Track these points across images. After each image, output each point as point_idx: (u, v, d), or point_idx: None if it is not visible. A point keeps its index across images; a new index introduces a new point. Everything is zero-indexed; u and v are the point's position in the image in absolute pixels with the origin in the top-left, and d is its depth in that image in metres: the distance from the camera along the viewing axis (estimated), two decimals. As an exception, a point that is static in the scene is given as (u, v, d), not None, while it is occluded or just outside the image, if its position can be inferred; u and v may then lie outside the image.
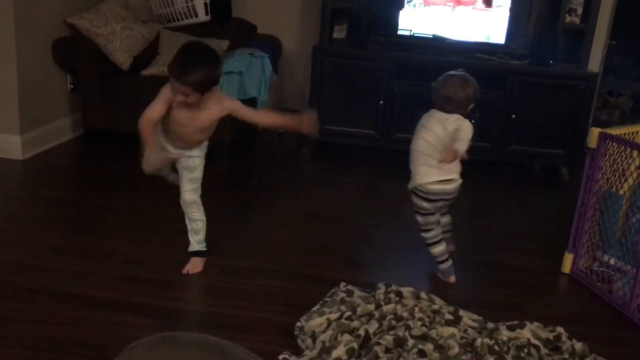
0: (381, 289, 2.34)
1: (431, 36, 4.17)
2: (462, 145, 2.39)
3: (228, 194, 3.48)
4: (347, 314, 2.17)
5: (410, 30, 4.17)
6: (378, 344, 1.99)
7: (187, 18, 4.21)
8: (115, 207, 3.07)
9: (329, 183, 3.83)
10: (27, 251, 2.56)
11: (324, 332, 2.07)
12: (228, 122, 3.76)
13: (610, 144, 2.59)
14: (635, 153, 2.55)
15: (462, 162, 2.55)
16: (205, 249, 2.54)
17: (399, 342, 2.02)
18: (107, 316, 2.14)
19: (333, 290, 2.40)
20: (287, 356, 1.95)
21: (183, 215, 2.51)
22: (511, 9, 4.08)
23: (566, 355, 2.09)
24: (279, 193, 3.58)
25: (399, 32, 4.18)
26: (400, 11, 4.14)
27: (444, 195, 2.52)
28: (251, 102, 3.86)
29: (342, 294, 2.35)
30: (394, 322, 2.14)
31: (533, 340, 2.11)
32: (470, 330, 2.17)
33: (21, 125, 3.62)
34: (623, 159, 2.60)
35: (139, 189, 3.08)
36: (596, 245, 2.72)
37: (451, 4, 4.10)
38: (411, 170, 2.53)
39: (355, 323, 2.12)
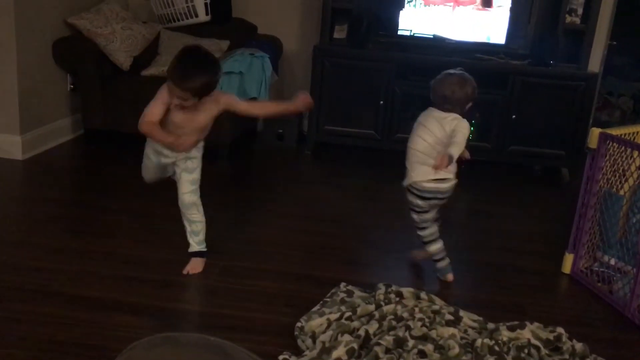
0: (381, 289, 2.34)
1: (431, 36, 4.17)
2: (457, 150, 2.40)
3: (228, 194, 3.48)
4: (347, 314, 2.17)
5: (411, 31, 4.17)
6: (378, 344, 1.98)
7: (187, 18, 4.21)
8: (116, 207, 3.07)
9: (329, 183, 3.83)
10: (27, 251, 2.56)
11: (324, 332, 2.07)
12: (228, 122, 3.79)
13: (610, 144, 2.58)
14: (635, 153, 2.55)
15: (465, 161, 2.55)
16: (205, 250, 2.54)
17: (399, 343, 2.02)
18: (107, 316, 2.14)
19: (333, 291, 2.40)
20: (287, 356, 1.95)
21: (183, 215, 2.51)
22: (511, 9, 4.08)
23: (566, 356, 2.08)
24: (279, 193, 3.58)
25: (400, 33, 4.18)
26: (401, 11, 4.14)
27: (438, 194, 2.52)
28: (251, 103, 3.87)
29: (342, 295, 2.35)
30: (394, 323, 2.14)
31: (533, 341, 2.11)
32: (470, 331, 2.17)
33: (21, 125, 3.62)
34: (623, 159, 2.60)
35: (139, 189, 3.08)
36: (596, 245, 2.72)
37: (451, 4, 4.10)
38: (407, 167, 2.54)
39: (356, 323, 2.12)
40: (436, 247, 2.59)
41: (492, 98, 4.09)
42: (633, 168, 2.58)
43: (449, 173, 2.50)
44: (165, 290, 2.36)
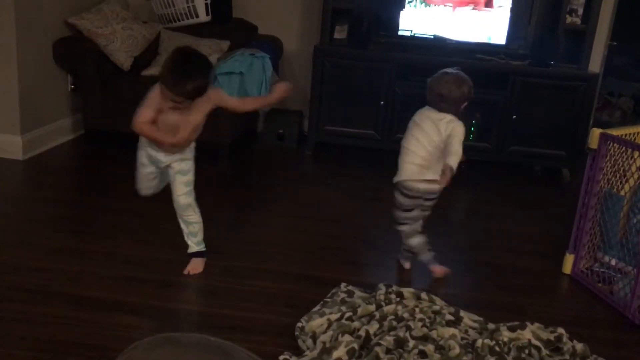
0: (382, 289, 2.34)
1: (432, 37, 4.17)
2: (456, 160, 2.39)
3: (228, 194, 3.48)
4: (348, 314, 2.17)
5: (411, 31, 4.17)
6: (379, 344, 1.98)
7: (187, 18, 4.21)
8: (116, 207, 3.07)
9: (330, 183, 3.83)
10: (27, 251, 2.55)
11: (324, 332, 2.07)
12: (228, 122, 3.79)
13: (611, 144, 2.58)
14: (636, 154, 2.54)
15: (463, 162, 2.55)
16: (204, 249, 2.54)
17: (400, 343, 2.02)
18: (108, 317, 2.14)
19: (334, 291, 2.40)
20: (287, 357, 1.95)
21: (184, 215, 2.51)
22: (512, 10, 4.08)
23: (567, 356, 2.08)
24: (279, 193, 3.58)
25: (400, 33, 4.18)
26: (401, 12, 4.14)
27: (425, 194, 2.52)
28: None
29: (342, 295, 2.35)
30: (394, 323, 2.14)
31: (534, 341, 2.11)
32: (471, 331, 2.17)
33: (22, 125, 3.62)
34: (624, 159, 2.60)
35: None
36: (597, 246, 2.72)
37: (451, 4, 4.10)
38: (398, 165, 2.54)
39: (356, 324, 2.11)
40: (416, 241, 2.59)
41: (493, 98, 4.09)
42: (633, 168, 2.58)
43: (439, 175, 2.49)
44: (166, 291, 2.36)
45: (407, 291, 2.35)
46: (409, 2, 4.11)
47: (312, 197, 3.58)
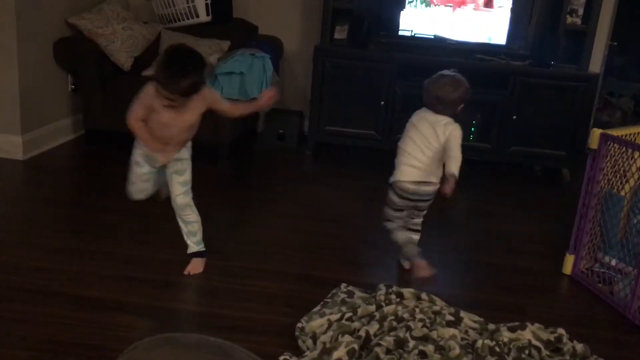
0: (382, 289, 2.34)
1: (432, 37, 4.16)
2: (457, 166, 2.42)
3: (228, 194, 3.48)
4: (348, 314, 2.16)
5: (412, 31, 4.17)
6: (379, 345, 1.98)
7: (188, 18, 4.21)
8: (116, 207, 3.07)
9: (330, 183, 3.83)
10: (27, 251, 2.55)
11: (324, 333, 2.07)
12: (228, 123, 3.79)
13: (611, 145, 2.58)
14: (636, 154, 2.54)
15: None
16: (204, 249, 2.54)
17: (400, 343, 2.02)
18: (108, 317, 2.14)
19: (334, 291, 2.40)
20: (287, 357, 1.95)
21: (184, 216, 2.51)
22: (512, 10, 4.08)
23: (567, 357, 2.08)
24: (279, 193, 3.58)
25: (400, 33, 4.18)
26: (402, 12, 4.14)
27: (416, 196, 2.53)
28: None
29: (342, 295, 2.35)
30: (394, 323, 2.14)
31: (534, 342, 2.10)
32: (471, 332, 2.17)
33: (22, 125, 3.62)
34: (624, 160, 2.60)
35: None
36: (597, 246, 2.72)
37: (451, 4, 4.10)
38: (395, 165, 2.56)
39: (356, 324, 2.11)
40: (403, 236, 2.61)
41: (493, 98, 4.09)
42: (634, 169, 2.58)
43: (434, 177, 2.53)
44: (166, 291, 2.36)
45: (407, 291, 2.35)
46: (409, 2, 4.11)
47: (312, 197, 3.58)
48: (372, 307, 2.22)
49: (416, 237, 2.67)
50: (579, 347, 2.12)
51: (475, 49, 4.15)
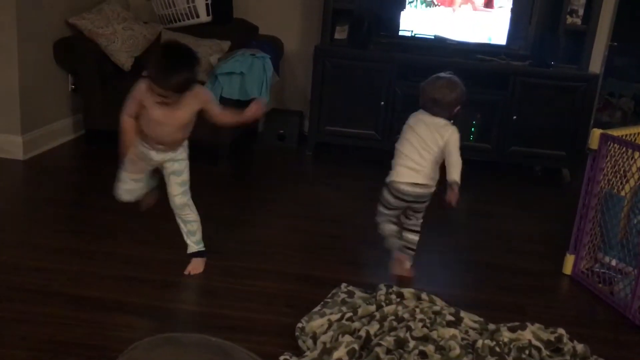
0: (382, 289, 2.34)
1: (432, 37, 4.16)
2: (458, 171, 2.44)
3: (228, 194, 3.48)
4: (348, 314, 2.16)
5: (412, 31, 4.17)
6: (379, 345, 1.98)
7: (188, 19, 4.21)
8: (116, 207, 3.05)
9: (330, 184, 3.83)
10: (27, 251, 2.55)
11: (324, 333, 2.07)
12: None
13: (611, 145, 2.58)
14: (636, 154, 2.54)
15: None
16: (204, 249, 2.54)
17: (400, 343, 2.02)
18: (108, 317, 2.14)
19: (334, 291, 2.40)
20: (287, 357, 1.95)
21: (184, 216, 2.51)
22: (512, 10, 4.08)
23: (567, 357, 2.08)
24: (279, 193, 3.58)
25: (401, 33, 4.18)
26: (402, 12, 4.14)
27: (410, 197, 2.54)
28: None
29: (343, 295, 2.35)
30: (395, 323, 2.14)
31: (534, 342, 2.10)
32: (471, 332, 2.17)
33: (22, 125, 3.62)
34: (624, 160, 2.60)
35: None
36: (597, 246, 2.72)
37: (452, 7, 4.10)
38: (392, 166, 2.58)
39: (356, 324, 2.11)
40: (387, 228, 2.62)
41: (493, 99, 4.09)
42: (634, 169, 2.58)
43: (430, 180, 2.53)
44: (166, 291, 2.36)
45: (407, 292, 2.35)
46: (409, 3, 4.11)
47: (312, 197, 3.58)
48: (373, 307, 2.22)
49: (415, 237, 2.67)
50: (579, 347, 2.12)
51: (476, 49, 4.15)
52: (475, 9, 4.10)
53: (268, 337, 2.10)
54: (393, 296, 2.31)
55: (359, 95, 4.15)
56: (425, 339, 2.06)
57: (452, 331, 2.10)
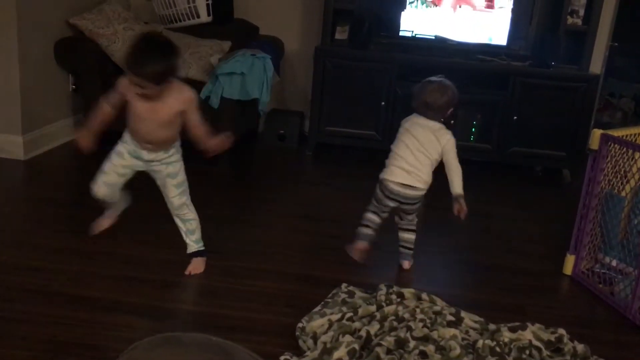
0: (382, 290, 2.34)
1: (433, 37, 4.17)
2: (460, 180, 2.52)
3: (229, 194, 3.48)
4: (349, 315, 2.16)
5: (412, 32, 4.17)
6: (379, 345, 1.98)
7: (189, 19, 4.21)
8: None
9: (330, 184, 3.83)
10: (27, 251, 2.55)
11: (325, 333, 2.07)
12: (229, 123, 3.78)
13: (612, 145, 2.58)
14: (637, 155, 2.54)
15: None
16: (204, 248, 2.53)
17: (401, 343, 2.02)
18: (108, 317, 2.14)
19: (334, 291, 2.39)
20: (288, 357, 1.95)
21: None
22: (513, 11, 4.08)
23: (568, 357, 2.08)
24: (279, 194, 3.58)
25: (401, 34, 4.18)
26: (402, 12, 4.14)
27: (400, 198, 2.56)
28: (253, 103, 3.87)
29: (343, 295, 2.35)
30: (395, 323, 2.14)
31: (534, 342, 2.10)
32: (471, 332, 2.17)
33: (23, 125, 3.62)
34: (625, 160, 2.60)
35: (139, 189, 3.08)
36: (598, 247, 2.72)
37: (452, 8, 4.10)
38: (385, 165, 2.62)
39: (357, 324, 2.11)
40: (369, 216, 2.67)
41: (494, 99, 4.09)
42: (634, 169, 2.58)
43: (421, 183, 2.56)
44: (166, 291, 2.36)
45: (407, 292, 2.35)
46: (410, 3, 4.11)
47: (312, 197, 3.57)
48: (373, 307, 2.22)
49: (411, 236, 2.68)
50: (580, 347, 2.11)
51: (476, 49, 4.15)
52: (475, 9, 4.10)
53: (268, 337, 2.10)
54: (393, 296, 2.31)
55: (359, 96, 4.15)
56: (425, 339, 2.06)
57: (452, 331, 2.10)
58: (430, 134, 2.54)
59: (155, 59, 2.12)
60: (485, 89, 4.06)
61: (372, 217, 2.68)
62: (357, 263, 2.74)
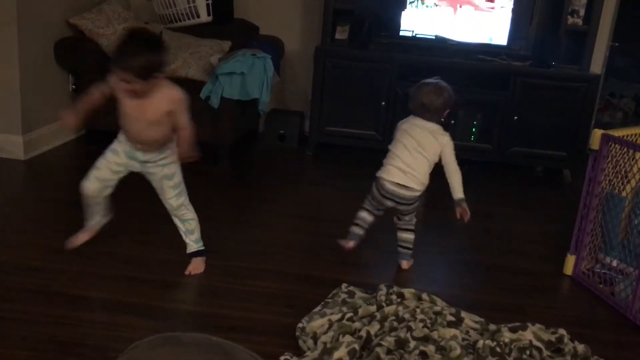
0: (383, 290, 2.33)
1: (433, 37, 4.16)
2: (460, 182, 2.56)
3: (229, 195, 3.48)
4: (349, 315, 2.16)
5: (413, 31, 4.17)
6: (379, 345, 1.98)
7: (189, 19, 4.21)
8: (116, 207, 3.06)
9: (330, 184, 3.83)
10: (27, 251, 2.55)
11: (325, 333, 2.07)
12: (229, 123, 3.79)
13: (612, 145, 2.58)
14: (637, 155, 2.54)
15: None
16: (203, 248, 2.53)
17: (401, 344, 2.02)
18: (108, 317, 2.14)
19: (334, 292, 2.39)
20: (288, 357, 1.95)
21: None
22: (513, 10, 4.08)
23: (568, 358, 2.08)
24: (279, 194, 3.58)
25: (401, 33, 4.17)
26: (403, 12, 4.14)
27: (395, 197, 2.58)
28: (253, 103, 3.87)
29: (343, 295, 2.35)
30: (395, 324, 2.13)
31: (535, 342, 2.10)
32: (472, 332, 2.17)
33: (23, 125, 3.62)
34: (625, 160, 2.60)
35: (139, 189, 3.08)
36: (598, 247, 2.71)
37: (452, 8, 4.09)
38: (383, 164, 2.63)
39: (357, 324, 2.11)
40: (361, 214, 2.72)
41: (494, 99, 4.08)
42: (635, 169, 2.57)
43: (417, 184, 2.56)
44: (166, 291, 2.36)
45: (408, 292, 2.35)
46: (410, 3, 4.11)
47: (312, 197, 3.57)
48: (373, 308, 2.22)
49: (409, 236, 2.69)
50: (580, 347, 2.11)
51: (476, 49, 4.15)
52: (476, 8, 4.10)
53: (268, 337, 2.10)
54: (394, 296, 2.31)
55: (359, 96, 4.14)
56: (425, 339, 2.06)
57: (452, 331, 2.10)
58: (428, 134, 2.55)
59: (140, 52, 2.13)
60: (486, 89, 4.06)
61: (364, 216, 2.71)
62: (357, 263, 2.74)
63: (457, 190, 2.56)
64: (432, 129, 2.56)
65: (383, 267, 2.73)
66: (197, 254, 2.52)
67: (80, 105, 2.38)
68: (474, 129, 4.12)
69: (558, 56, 4.07)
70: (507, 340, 2.09)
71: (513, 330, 2.12)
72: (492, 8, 4.09)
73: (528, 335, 2.12)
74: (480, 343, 2.04)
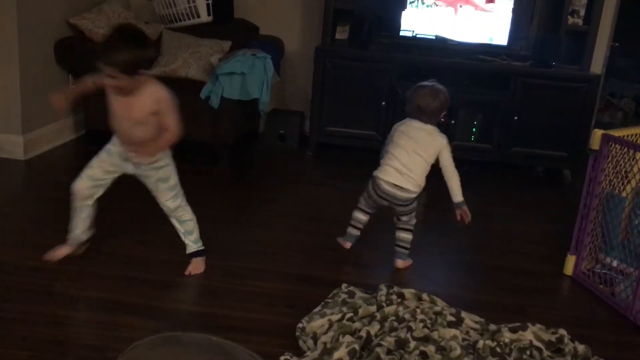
0: (383, 290, 2.33)
1: (434, 37, 4.16)
2: (459, 187, 2.58)
3: (229, 195, 3.48)
4: (349, 315, 2.16)
5: (413, 31, 4.17)
6: (380, 345, 1.98)
7: (189, 19, 4.21)
8: (116, 207, 3.06)
9: (331, 184, 3.83)
10: (27, 251, 2.55)
11: (325, 333, 2.07)
12: (229, 123, 3.79)
13: (612, 145, 2.58)
14: (638, 155, 2.54)
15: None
16: (203, 248, 2.53)
17: (401, 344, 2.02)
18: (108, 317, 2.13)
19: (334, 292, 2.39)
20: (288, 357, 1.95)
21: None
22: (514, 10, 4.07)
23: (568, 358, 2.08)
24: (280, 194, 3.58)
25: (402, 33, 4.17)
26: (403, 12, 4.14)
27: (390, 198, 2.59)
28: (253, 103, 3.87)
29: (343, 295, 2.35)
30: (395, 324, 2.13)
31: (535, 342, 2.10)
32: (472, 332, 2.16)
33: (23, 125, 3.62)
34: (626, 161, 2.59)
35: (139, 189, 3.08)
36: (599, 247, 2.71)
37: (452, 8, 4.09)
38: (380, 164, 2.64)
39: (357, 324, 2.11)
40: (356, 215, 2.75)
41: (494, 99, 4.08)
42: (635, 170, 2.57)
43: (413, 186, 2.57)
44: (166, 291, 2.36)
45: (408, 292, 2.35)
46: (410, 3, 4.11)
47: (313, 197, 3.57)
48: (373, 308, 2.22)
49: (408, 236, 2.69)
50: (580, 348, 2.11)
51: (477, 49, 4.15)
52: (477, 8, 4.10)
53: (268, 337, 2.10)
54: (394, 297, 2.31)
55: (359, 96, 4.14)
56: (426, 339, 2.06)
57: (453, 332, 2.10)
58: (427, 135, 2.57)
59: (124, 47, 2.13)
60: (486, 89, 4.06)
61: (359, 217, 2.74)
62: (357, 263, 2.74)
63: (457, 193, 2.58)
64: (430, 131, 2.58)
65: (383, 267, 2.73)
66: (196, 254, 2.52)
67: (72, 90, 2.40)
68: (474, 129, 4.12)
69: (558, 56, 4.07)
70: (507, 340, 2.09)
71: (513, 330, 2.12)
72: (493, 8, 4.09)
73: (528, 335, 2.12)
74: (481, 343, 2.04)
